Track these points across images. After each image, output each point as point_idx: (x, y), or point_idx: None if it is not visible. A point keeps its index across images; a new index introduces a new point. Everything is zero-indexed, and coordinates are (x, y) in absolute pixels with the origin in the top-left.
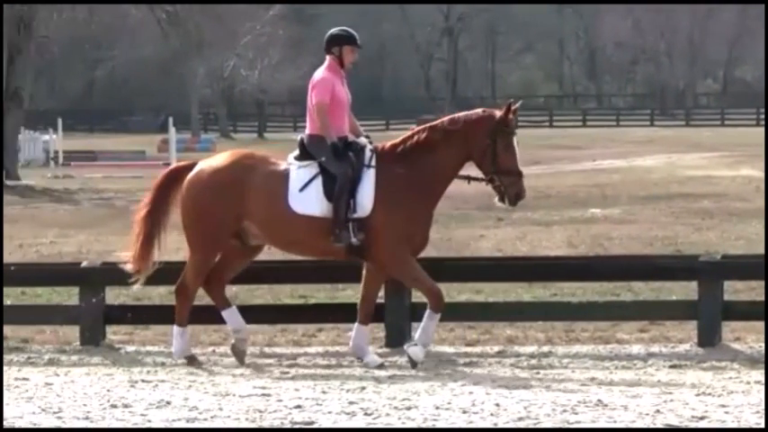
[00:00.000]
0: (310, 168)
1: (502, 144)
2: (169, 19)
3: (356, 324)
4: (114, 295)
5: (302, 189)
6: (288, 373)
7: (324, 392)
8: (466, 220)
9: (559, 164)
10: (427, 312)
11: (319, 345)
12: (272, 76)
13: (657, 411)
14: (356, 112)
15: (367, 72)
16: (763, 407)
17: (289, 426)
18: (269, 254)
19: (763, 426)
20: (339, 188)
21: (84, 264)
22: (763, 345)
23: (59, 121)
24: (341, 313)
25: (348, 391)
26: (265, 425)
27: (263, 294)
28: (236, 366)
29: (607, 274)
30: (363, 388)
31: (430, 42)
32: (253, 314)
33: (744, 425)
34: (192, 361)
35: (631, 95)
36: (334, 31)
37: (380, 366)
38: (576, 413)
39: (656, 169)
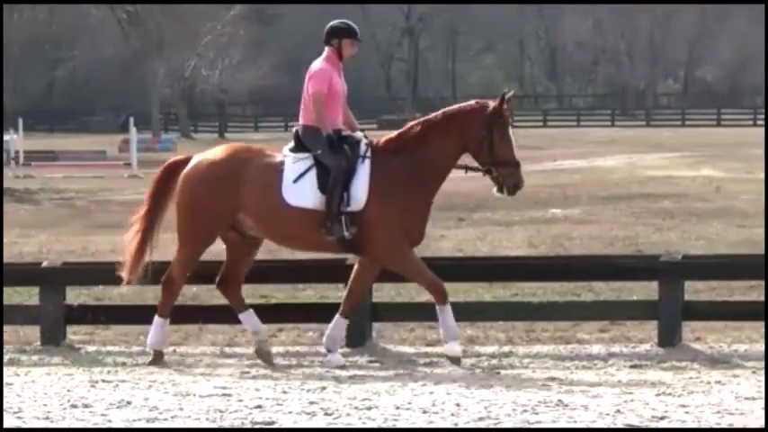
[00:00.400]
0: (305, 160)
1: (498, 135)
2: (129, 19)
3: (337, 316)
4: (75, 295)
5: (296, 181)
6: (248, 372)
7: (284, 392)
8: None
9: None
10: (438, 309)
11: (280, 345)
12: (233, 76)
13: (618, 411)
14: None
15: None
16: (722, 407)
17: (249, 426)
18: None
19: (763, 426)
20: (333, 180)
21: (45, 264)
22: (723, 344)
23: (20, 121)
24: (301, 313)
25: (309, 391)
26: (226, 425)
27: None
28: (196, 366)
29: (567, 275)
30: (324, 388)
31: (390, 42)
32: (213, 314)
33: (704, 425)
34: (157, 357)
35: (592, 96)
36: (335, 23)
37: (342, 367)
38: (537, 413)
39: (616, 169)
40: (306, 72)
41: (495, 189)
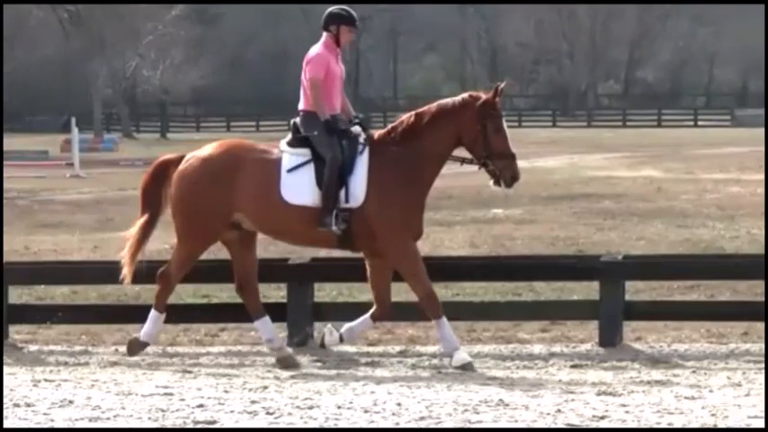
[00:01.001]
0: (302, 157)
1: (492, 127)
2: (71, 19)
3: (367, 316)
4: (17, 294)
5: (294, 178)
6: (190, 372)
7: (226, 392)
8: None
9: None
10: (434, 323)
11: (221, 344)
12: (175, 77)
13: (558, 411)
14: (258, 113)
15: (270, 72)
16: (662, 406)
17: (191, 425)
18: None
19: (763, 426)
20: (328, 174)
21: None
22: (664, 344)
23: None
24: (243, 313)
25: (250, 390)
26: (168, 424)
27: None
28: (138, 366)
29: (509, 275)
30: (265, 387)
31: None
32: None
33: (644, 424)
34: (138, 347)
35: (533, 96)
36: (333, 9)
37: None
38: (478, 412)
39: (558, 170)
40: (304, 57)
41: (491, 182)
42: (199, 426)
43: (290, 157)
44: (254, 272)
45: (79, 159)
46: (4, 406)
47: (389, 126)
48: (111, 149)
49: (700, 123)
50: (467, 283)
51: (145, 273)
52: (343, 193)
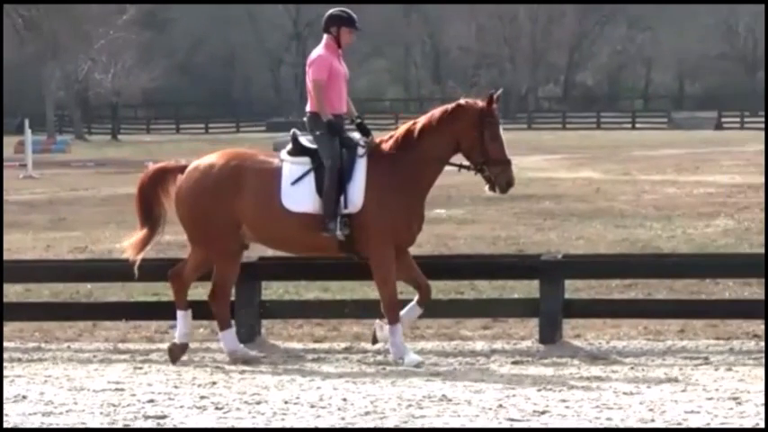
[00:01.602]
0: (302, 165)
1: (489, 134)
2: (25, 24)
3: (416, 303)
4: None
5: (295, 186)
6: (141, 368)
7: (176, 387)
8: None
9: None
10: (388, 329)
11: (171, 341)
12: (126, 80)
13: (500, 406)
14: (207, 115)
15: (218, 75)
16: (601, 401)
17: (142, 419)
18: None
19: (763, 426)
20: (329, 179)
21: None
22: (602, 341)
23: None
24: (192, 311)
25: (199, 386)
26: (119, 419)
27: (116, 292)
28: (90, 362)
29: (451, 273)
30: (214, 383)
31: (279, 47)
32: (106, 311)
33: (584, 419)
34: (180, 350)
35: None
36: (334, 11)
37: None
38: (422, 408)
39: None
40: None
41: (486, 187)
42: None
43: (290, 166)
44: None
45: (32, 160)
46: None
47: (391, 133)
48: (64, 151)
49: (637, 126)
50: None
51: (101, 272)
52: (342, 199)
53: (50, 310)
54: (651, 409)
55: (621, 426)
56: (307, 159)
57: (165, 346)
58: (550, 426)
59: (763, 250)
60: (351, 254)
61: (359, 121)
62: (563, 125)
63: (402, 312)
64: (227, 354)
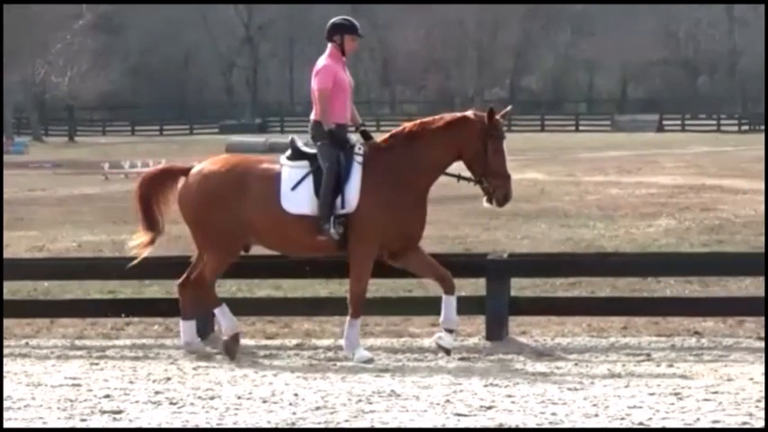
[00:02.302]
0: (301, 169)
1: (492, 147)
2: None
3: (445, 296)
4: None
5: (294, 189)
6: (97, 364)
7: (131, 383)
8: None
9: None
10: (347, 320)
11: (127, 338)
12: (82, 83)
13: (448, 401)
14: (161, 118)
15: (172, 79)
16: (546, 397)
17: (98, 414)
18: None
19: (763, 426)
20: (325, 183)
21: None
22: (547, 338)
23: None
24: (147, 308)
25: (154, 381)
26: (76, 413)
27: (73, 289)
28: (47, 358)
29: (399, 271)
30: (169, 378)
31: (231, 51)
32: (63, 308)
33: (529, 414)
34: (234, 340)
35: (423, 102)
36: (336, 19)
37: (446, 351)
38: (371, 403)
39: None
40: (311, 69)
41: (484, 199)
42: (105, 414)
43: (289, 169)
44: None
45: None
46: None
47: (391, 132)
48: (22, 152)
49: (581, 128)
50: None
51: (57, 270)
52: (339, 199)
53: (9, 308)
54: (595, 405)
55: (566, 420)
56: (305, 163)
57: (121, 342)
58: (497, 420)
59: (703, 249)
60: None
61: (363, 128)
62: (508, 127)
63: (444, 316)
64: (183, 343)
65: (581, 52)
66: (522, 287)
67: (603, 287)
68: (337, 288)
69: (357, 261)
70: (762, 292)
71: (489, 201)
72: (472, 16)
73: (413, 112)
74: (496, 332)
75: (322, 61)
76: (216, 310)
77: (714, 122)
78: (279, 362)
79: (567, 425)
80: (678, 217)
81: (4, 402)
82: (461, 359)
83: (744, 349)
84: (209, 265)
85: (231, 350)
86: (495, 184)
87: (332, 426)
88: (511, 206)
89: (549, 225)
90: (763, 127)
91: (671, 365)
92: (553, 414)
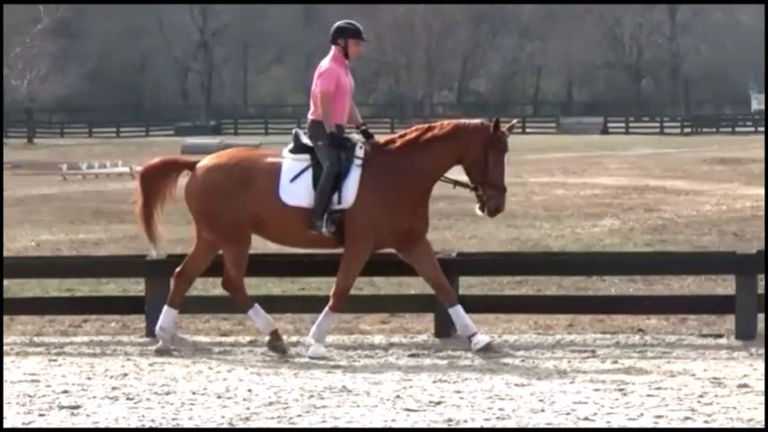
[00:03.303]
0: (302, 162)
1: (493, 158)
2: None
3: (450, 309)
4: None
5: (293, 181)
6: (56, 360)
7: (89, 378)
8: None
9: None
10: (325, 310)
11: (84, 335)
12: (41, 86)
13: (398, 397)
14: (118, 120)
15: (129, 82)
16: (494, 392)
17: (57, 409)
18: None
19: (763, 426)
20: (324, 180)
21: None
22: (495, 335)
23: None
24: (104, 305)
25: (111, 377)
26: (35, 409)
27: (32, 287)
28: (7, 354)
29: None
30: (125, 375)
31: (186, 55)
32: (22, 306)
33: (477, 409)
34: (278, 339)
35: (373, 105)
36: (341, 23)
37: (488, 345)
38: (323, 398)
39: None
40: (315, 70)
41: (477, 207)
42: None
43: (290, 162)
44: (201, 271)
45: None
46: None
47: (398, 134)
48: None
49: (527, 131)
50: (311, 279)
51: (16, 269)
52: (336, 195)
53: None
54: (541, 400)
55: (513, 415)
56: (306, 156)
57: (79, 339)
58: (446, 416)
59: (646, 249)
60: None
61: (364, 128)
62: None
63: (460, 322)
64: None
65: (528, 56)
66: (470, 285)
67: (549, 286)
68: (290, 287)
69: (349, 257)
70: (703, 291)
71: (481, 209)
72: (421, 20)
73: (363, 115)
74: (445, 329)
75: (325, 64)
76: (249, 312)
77: (657, 125)
78: (233, 358)
79: (513, 420)
80: (622, 217)
81: None
82: (411, 356)
83: (686, 346)
84: (228, 258)
85: (277, 347)
86: (489, 194)
87: (285, 420)
88: (458, 206)
89: (497, 225)
90: (705, 129)
91: (615, 362)
92: (500, 409)
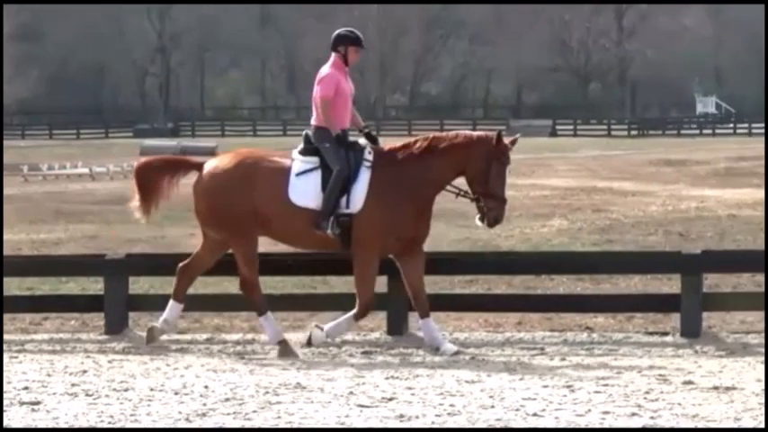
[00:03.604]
0: (311, 164)
1: (495, 170)
2: None
3: (421, 321)
4: None
5: (302, 182)
6: (16, 357)
7: (49, 375)
8: (177, 220)
9: None
10: (349, 314)
11: (45, 332)
12: (2, 90)
13: (351, 393)
14: (77, 122)
15: (89, 85)
16: (444, 389)
17: (17, 405)
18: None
19: (763, 426)
20: (333, 182)
21: None
22: (446, 333)
23: None
24: (64, 304)
25: (71, 374)
26: None
27: None
28: None
29: (304, 269)
30: (85, 371)
31: (145, 59)
32: None
33: (429, 405)
34: (285, 346)
35: None
36: (341, 31)
37: (456, 353)
38: (278, 394)
39: None
40: (314, 77)
41: (477, 217)
42: (23, 405)
43: (300, 163)
44: (202, 270)
45: None
46: None
47: (404, 142)
48: None
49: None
50: (267, 277)
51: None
52: (344, 199)
53: None
54: (491, 396)
55: (464, 411)
56: (316, 159)
57: (39, 337)
58: (398, 411)
59: (593, 249)
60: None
61: (367, 131)
62: (409, 132)
63: (428, 342)
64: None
65: (478, 60)
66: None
67: (499, 284)
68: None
69: (360, 265)
70: (649, 290)
71: (481, 220)
72: (374, 24)
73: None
74: (397, 327)
75: (325, 70)
76: (260, 318)
77: (605, 127)
78: (190, 355)
79: (464, 416)
80: (570, 218)
81: None
82: (364, 353)
83: (633, 344)
84: (240, 256)
85: (287, 352)
86: (489, 205)
87: (240, 416)
88: None
89: (447, 225)
90: (652, 131)
91: (563, 359)
92: (451, 405)
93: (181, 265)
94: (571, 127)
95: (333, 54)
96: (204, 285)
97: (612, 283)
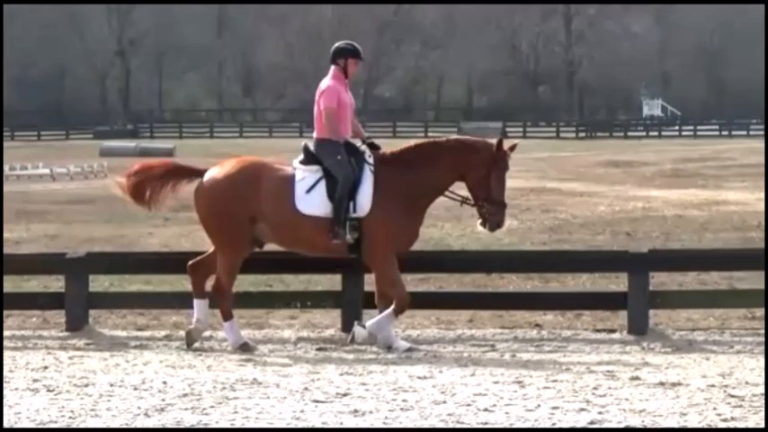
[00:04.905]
0: (315, 173)
1: (495, 176)
2: None
3: (386, 310)
4: None
5: (308, 192)
6: None
7: (11, 371)
8: (136, 220)
9: None
10: (388, 311)
11: (7, 329)
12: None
13: (306, 389)
14: (39, 124)
15: (50, 88)
16: (398, 385)
17: None
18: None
19: (763, 426)
20: (341, 190)
21: None
22: (398, 330)
23: None
24: (25, 301)
25: (32, 370)
26: None
27: None
28: None
29: (261, 267)
30: (46, 367)
31: (105, 63)
32: None
33: (382, 401)
34: (245, 348)
35: (283, 110)
36: (340, 44)
37: (409, 350)
38: (235, 390)
39: None
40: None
41: (478, 222)
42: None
43: (302, 173)
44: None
45: None
46: None
47: (404, 147)
48: None
49: (429, 135)
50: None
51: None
52: (351, 204)
53: None
54: (443, 392)
55: (416, 406)
56: (317, 167)
57: (3, 333)
58: (352, 407)
59: (543, 248)
60: (357, 255)
61: (369, 141)
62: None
63: (381, 335)
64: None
65: (430, 64)
66: (373, 281)
67: (451, 282)
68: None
69: (380, 266)
70: (597, 288)
71: (483, 224)
72: (329, 29)
73: (274, 120)
74: (351, 325)
75: (326, 82)
76: (225, 324)
77: (554, 129)
78: (149, 352)
79: (416, 411)
80: (520, 217)
81: None
82: (319, 349)
83: (581, 341)
84: (223, 265)
85: (248, 349)
86: (491, 210)
87: (198, 411)
88: None
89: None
90: (600, 134)
91: (514, 355)
92: (404, 401)
93: (191, 262)
94: (521, 129)
95: (332, 67)
96: (161, 283)
97: (561, 281)
